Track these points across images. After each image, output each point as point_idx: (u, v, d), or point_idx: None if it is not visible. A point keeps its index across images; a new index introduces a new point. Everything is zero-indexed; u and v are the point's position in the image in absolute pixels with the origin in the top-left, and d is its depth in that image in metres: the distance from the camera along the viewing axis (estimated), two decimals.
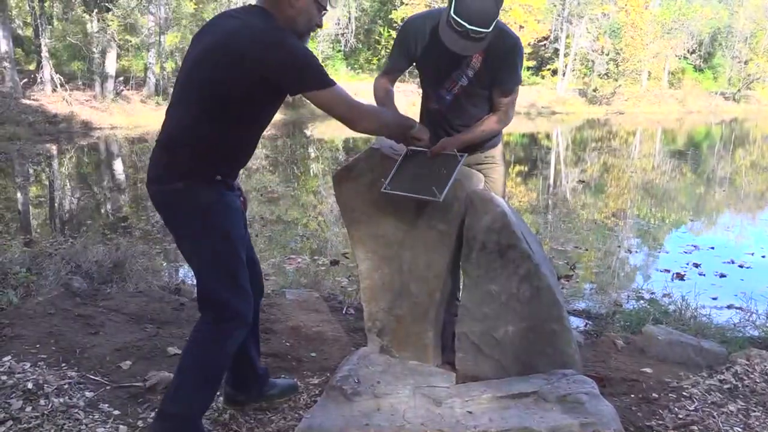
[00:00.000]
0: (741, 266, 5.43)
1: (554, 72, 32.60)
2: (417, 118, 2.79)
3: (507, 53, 2.33)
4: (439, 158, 2.31)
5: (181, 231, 1.99)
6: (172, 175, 1.89)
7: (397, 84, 2.63)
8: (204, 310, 1.98)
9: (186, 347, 2.00)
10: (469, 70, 2.37)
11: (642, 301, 4.20)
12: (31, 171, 11.01)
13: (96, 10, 18.73)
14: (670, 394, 2.46)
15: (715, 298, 4.43)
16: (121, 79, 20.18)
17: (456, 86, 2.42)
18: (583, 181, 10.85)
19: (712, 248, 6.08)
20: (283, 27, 1.88)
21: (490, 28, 2.09)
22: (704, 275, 5.14)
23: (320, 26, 2.02)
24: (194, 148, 1.88)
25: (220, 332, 1.95)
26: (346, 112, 1.89)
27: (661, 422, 2.25)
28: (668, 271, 5.15)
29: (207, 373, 1.97)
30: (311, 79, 1.84)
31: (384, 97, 2.53)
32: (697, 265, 5.40)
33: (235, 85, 1.82)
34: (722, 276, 5.11)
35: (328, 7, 2.02)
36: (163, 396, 2.06)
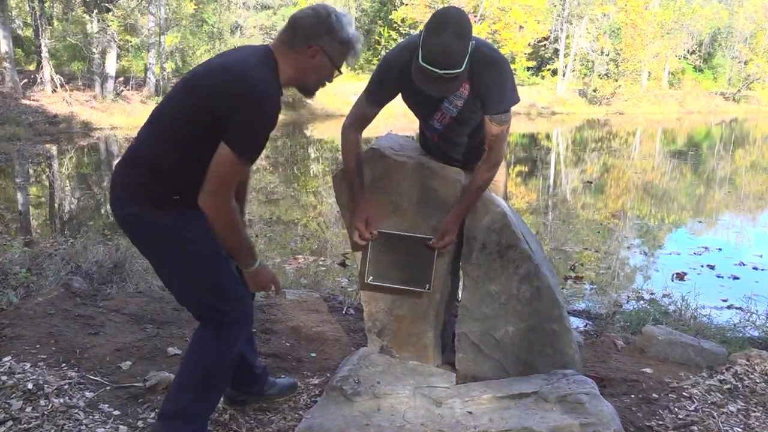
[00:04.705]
0: (755, 268, 5.43)
1: (554, 72, 32.62)
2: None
3: (492, 79, 2.21)
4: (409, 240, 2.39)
5: (154, 258, 1.95)
6: (128, 198, 1.86)
7: None
8: (204, 321, 1.96)
9: (188, 351, 1.97)
10: (459, 101, 2.28)
11: (642, 302, 4.20)
12: (31, 171, 11.01)
13: (96, 11, 18.73)
14: (670, 394, 2.46)
15: (725, 300, 4.43)
16: (121, 79, 20.16)
17: (446, 117, 2.34)
18: (590, 182, 10.84)
19: (720, 249, 6.09)
20: (287, 78, 1.87)
21: (462, 67, 2.04)
22: (721, 277, 5.15)
23: (330, 82, 2.00)
24: (154, 170, 1.84)
25: (224, 337, 1.93)
26: (214, 181, 1.77)
27: (661, 422, 2.25)
28: (684, 273, 5.13)
29: (211, 376, 1.95)
30: (242, 144, 1.77)
31: (355, 168, 2.35)
32: (711, 267, 5.40)
33: (203, 118, 1.78)
34: (735, 278, 5.10)
35: (343, 70, 1.99)
36: (164, 398, 2.04)
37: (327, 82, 1.99)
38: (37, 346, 2.69)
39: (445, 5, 26.46)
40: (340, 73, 1.98)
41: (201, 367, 1.94)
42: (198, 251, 1.87)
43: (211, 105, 1.76)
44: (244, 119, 1.75)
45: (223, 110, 1.75)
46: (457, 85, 2.12)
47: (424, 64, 2.03)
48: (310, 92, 1.98)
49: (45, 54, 17.43)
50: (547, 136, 21.00)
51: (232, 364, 2.01)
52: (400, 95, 2.36)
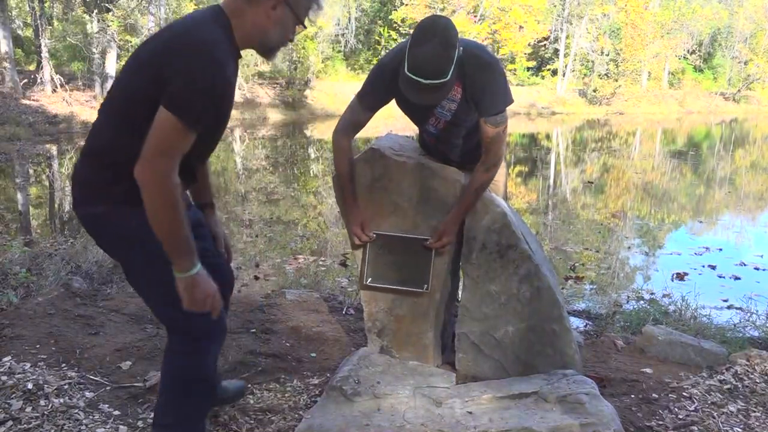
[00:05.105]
0: (756, 268, 5.42)
1: (554, 72, 32.66)
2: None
3: (485, 81, 2.20)
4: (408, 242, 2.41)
5: (121, 261, 1.80)
6: (92, 197, 1.70)
7: None
8: (173, 332, 1.84)
9: (163, 363, 1.87)
10: (452, 104, 2.27)
11: (642, 302, 4.21)
12: (31, 171, 11.01)
13: (96, 11, 18.73)
14: (670, 395, 2.46)
15: (725, 300, 4.43)
16: None
17: (440, 122, 2.34)
18: (590, 182, 10.84)
19: (720, 249, 6.09)
20: (245, 36, 1.70)
21: (448, 77, 2.02)
22: (723, 277, 5.15)
23: (292, 41, 1.83)
24: (117, 163, 1.64)
25: (196, 349, 1.81)
26: (151, 148, 1.55)
27: (661, 422, 2.25)
28: (685, 273, 5.14)
29: (190, 388, 1.85)
30: (181, 104, 1.56)
31: (348, 174, 2.36)
32: (713, 267, 5.40)
33: (153, 90, 1.58)
34: (737, 279, 5.10)
35: (306, 23, 1.81)
36: (155, 404, 1.97)
37: (289, 41, 1.80)
38: (37, 346, 2.69)
39: (444, 6, 26.49)
40: (304, 27, 1.80)
41: (180, 382, 1.84)
42: (165, 257, 1.67)
43: (153, 69, 1.58)
44: (184, 76, 1.55)
45: (164, 70, 1.56)
46: (444, 94, 2.11)
47: (410, 74, 2.02)
48: (271, 51, 1.78)
49: (45, 54, 17.44)
50: (547, 136, 21.00)
51: (210, 372, 1.89)
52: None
